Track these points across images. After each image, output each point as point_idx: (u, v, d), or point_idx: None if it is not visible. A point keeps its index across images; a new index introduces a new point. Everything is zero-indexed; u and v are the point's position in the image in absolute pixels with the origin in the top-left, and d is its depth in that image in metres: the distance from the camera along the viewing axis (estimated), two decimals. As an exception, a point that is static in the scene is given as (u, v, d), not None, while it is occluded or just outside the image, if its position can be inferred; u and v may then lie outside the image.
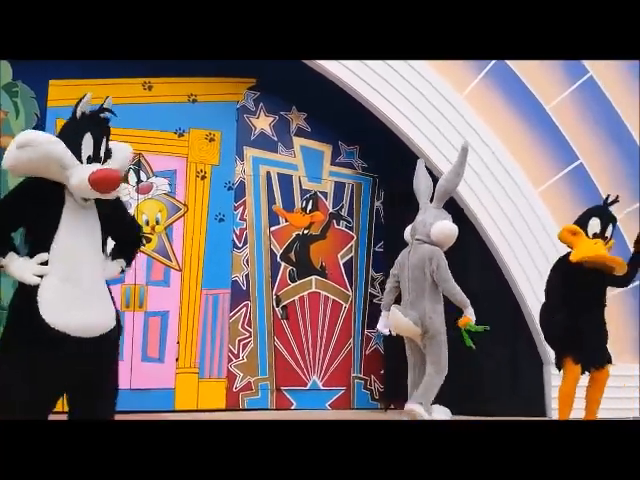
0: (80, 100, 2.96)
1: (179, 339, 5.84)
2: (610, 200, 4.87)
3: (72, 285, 2.83)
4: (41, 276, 2.80)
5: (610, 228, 4.79)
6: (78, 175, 2.82)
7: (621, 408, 5.73)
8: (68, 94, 5.31)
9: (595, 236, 4.70)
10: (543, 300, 5.26)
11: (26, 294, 2.79)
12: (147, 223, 5.88)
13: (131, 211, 5.80)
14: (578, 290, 4.62)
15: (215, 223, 6.08)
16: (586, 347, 4.62)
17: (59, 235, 2.85)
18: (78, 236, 2.89)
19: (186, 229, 6.00)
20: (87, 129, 2.91)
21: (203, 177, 6.08)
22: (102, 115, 2.98)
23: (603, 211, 4.83)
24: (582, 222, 4.77)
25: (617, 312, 5.76)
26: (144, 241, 3.38)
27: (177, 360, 5.82)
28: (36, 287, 2.78)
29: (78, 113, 2.92)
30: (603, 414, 5.05)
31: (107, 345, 2.91)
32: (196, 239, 6.02)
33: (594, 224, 4.73)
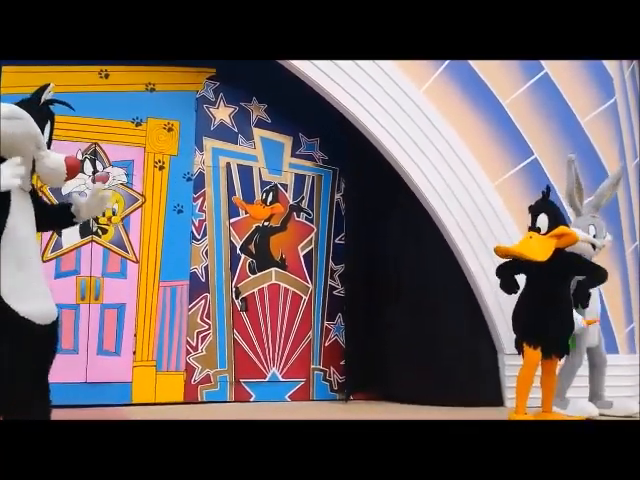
0: (43, 87, 3.01)
1: (136, 332, 5.77)
2: (545, 193, 5.13)
3: (25, 272, 2.82)
4: None
5: (559, 217, 5.02)
6: (54, 158, 2.87)
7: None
8: (21, 81, 5.13)
9: (538, 230, 4.89)
10: (498, 289, 5.43)
11: None
12: (103, 214, 5.76)
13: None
14: (542, 283, 4.77)
15: (173, 214, 6.00)
16: (547, 334, 4.76)
17: (10, 221, 2.81)
18: (25, 223, 2.89)
19: (144, 220, 5.90)
20: (48, 118, 2.96)
21: (161, 167, 6.00)
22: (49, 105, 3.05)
23: (543, 206, 5.04)
24: (531, 225, 5.03)
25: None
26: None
27: (134, 353, 5.74)
28: None
29: (42, 101, 2.96)
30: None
31: (57, 331, 2.95)
32: (154, 230, 5.93)
33: (542, 221, 4.94)
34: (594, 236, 5.40)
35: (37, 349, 2.79)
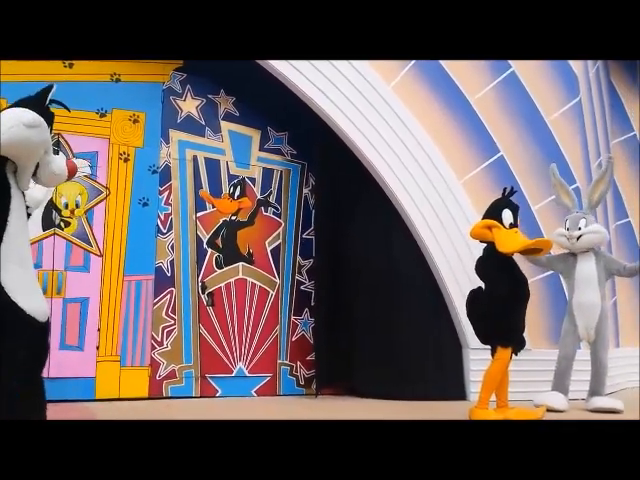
0: (47, 89, 3.02)
1: (100, 326, 5.67)
2: (508, 192, 5.11)
3: (26, 270, 2.83)
4: None
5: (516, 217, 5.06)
6: (59, 163, 2.90)
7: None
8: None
9: (511, 226, 4.90)
10: (463, 285, 5.44)
11: None
12: (66, 206, 5.66)
13: (50, 193, 5.57)
14: (510, 279, 4.83)
15: (139, 207, 5.91)
16: (518, 333, 4.84)
17: (11, 219, 2.80)
18: (21, 222, 2.88)
19: (108, 213, 5.80)
20: (51, 120, 2.98)
21: (126, 160, 5.90)
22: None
23: (509, 202, 5.04)
24: (495, 215, 4.94)
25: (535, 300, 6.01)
26: None
27: (98, 348, 5.65)
28: None
29: (47, 103, 2.98)
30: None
31: (49, 328, 2.97)
32: (118, 224, 5.84)
33: (507, 215, 4.93)
34: (567, 229, 5.86)
35: (39, 346, 2.83)
